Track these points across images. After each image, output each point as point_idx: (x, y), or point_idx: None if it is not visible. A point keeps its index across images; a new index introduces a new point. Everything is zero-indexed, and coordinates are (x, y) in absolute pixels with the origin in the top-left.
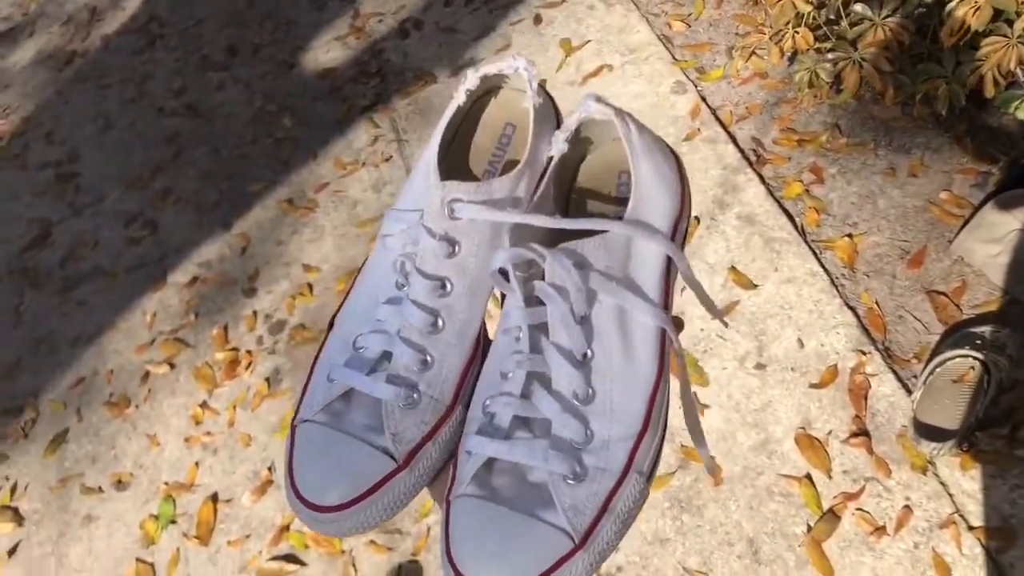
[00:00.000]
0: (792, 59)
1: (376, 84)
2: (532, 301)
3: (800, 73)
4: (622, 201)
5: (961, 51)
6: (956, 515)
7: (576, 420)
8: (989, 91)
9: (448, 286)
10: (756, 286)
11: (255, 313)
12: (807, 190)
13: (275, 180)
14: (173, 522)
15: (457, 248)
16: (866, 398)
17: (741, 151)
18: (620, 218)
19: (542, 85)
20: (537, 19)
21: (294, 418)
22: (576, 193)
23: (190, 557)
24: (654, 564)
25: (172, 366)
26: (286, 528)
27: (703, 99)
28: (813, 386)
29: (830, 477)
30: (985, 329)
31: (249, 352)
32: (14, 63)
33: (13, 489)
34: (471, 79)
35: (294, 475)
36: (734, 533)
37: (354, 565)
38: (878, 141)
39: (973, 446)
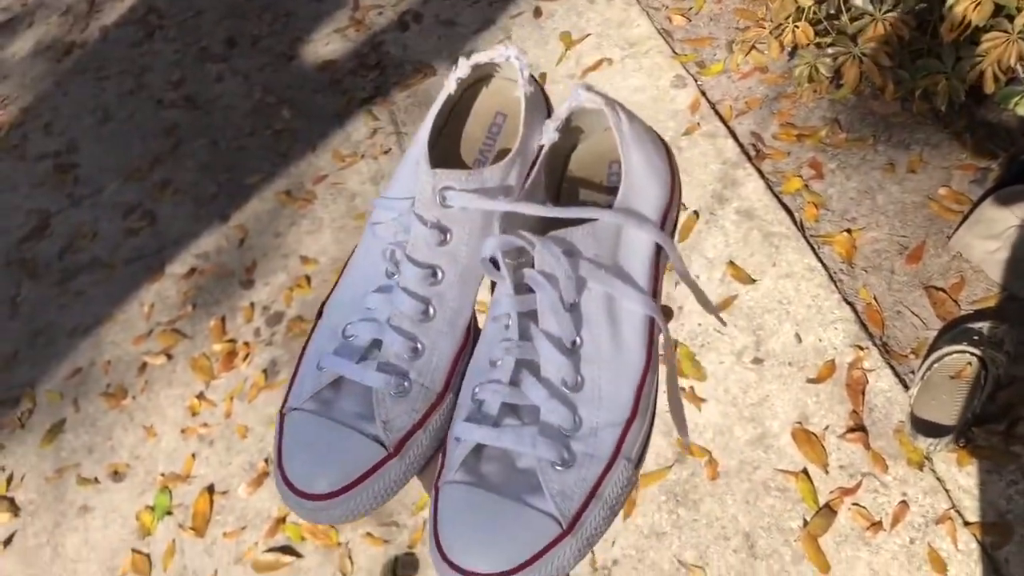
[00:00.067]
0: (792, 54)
1: (375, 76)
2: (522, 289)
3: (800, 68)
4: (612, 190)
5: (961, 47)
6: (952, 510)
7: (564, 407)
8: (989, 87)
9: (439, 274)
10: (754, 281)
11: (253, 305)
12: (806, 185)
13: (273, 172)
14: (169, 513)
15: (448, 236)
16: (863, 393)
17: (740, 146)
18: (610, 207)
19: (533, 74)
20: (537, 12)
21: (283, 407)
22: (567, 182)
23: (186, 548)
24: (650, 558)
25: (169, 357)
26: (282, 520)
27: (703, 93)
28: (810, 381)
29: (827, 472)
30: (983, 325)
31: (246, 344)
32: (12, 54)
33: (9, 479)
34: (462, 67)
35: (283, 463)
36: (730, 527)
37: (350, 557)
38: (877, 137)
39: (970, 442)
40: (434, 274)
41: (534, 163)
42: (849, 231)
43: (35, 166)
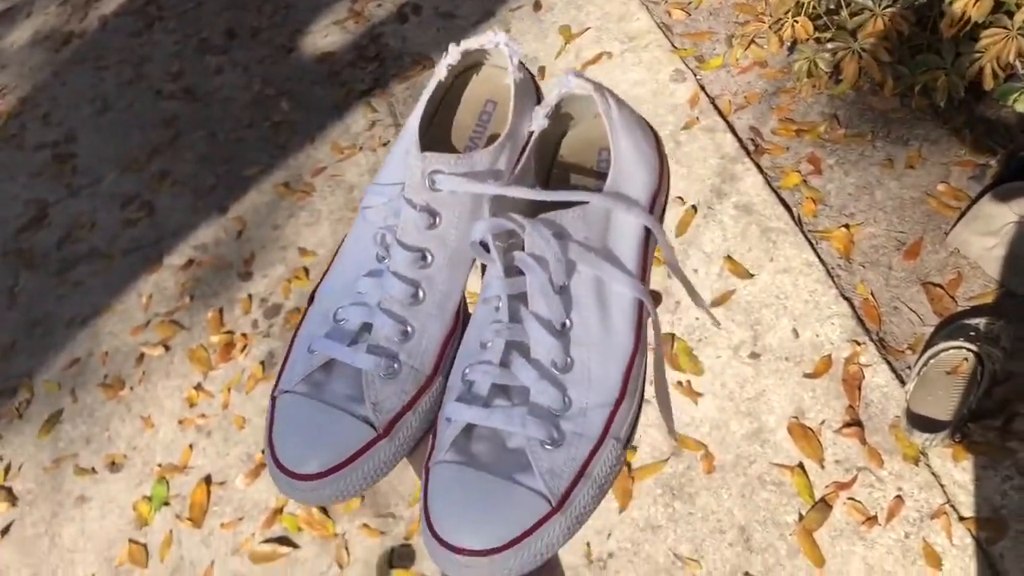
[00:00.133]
0: (792, 48)
1: (374, 69)
2: (512, 271)
3: (799, 63)
4: (602, 177)
5: (961, 42)
6: (947, 506)
7: (554, 388)
8: (988, 83)
9: (429, 257)
10: (752, 275)
11: (250, 296)
12: (805, 180)
13: (272, 164)
14: (166, 504)
15: (438, 220)
16: (860, 388)
17: (739, 140)
18: (600, 191)
19: (523, 62)
20: (536, 5)
21: (274, 390)
22: (557, 168)
23: (183, 539)
24: (645, 551)
25: (167, 348)
26: (279, 511)
27: (702, 88)
28: (807, 376)
29: (822, 466)
30: (980, 321)
31: (244, 335)
32: (11, 43)
33: (7, 469)
34: (453, 54)
35: (274, 444)
36: (726, 521)
37: (347, 548)
38: (876, 132)
39: (966, 437)
40: (423, 257)
41: (524, 149)
42: (847, 227)
43: (33, 156)
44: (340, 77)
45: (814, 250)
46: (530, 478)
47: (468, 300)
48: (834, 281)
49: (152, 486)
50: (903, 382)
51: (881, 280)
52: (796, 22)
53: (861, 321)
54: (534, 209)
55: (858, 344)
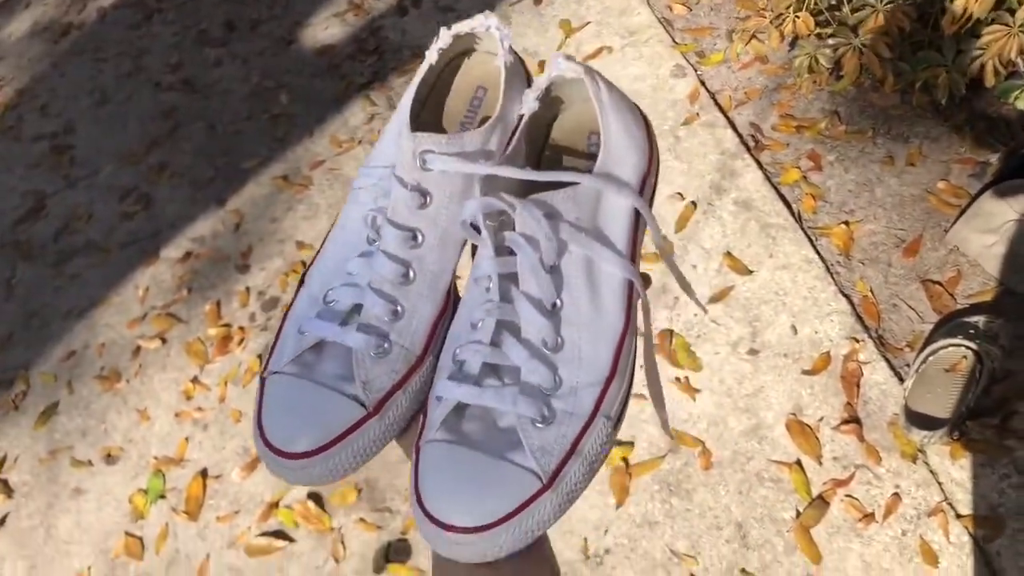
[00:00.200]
0: (792, 44)
1: (374, 62)
2: (502, 251)
3: (800, 58)
4: (592, 160)
5: (962, 39)
6: (945, 503)
7: (545, 367)
8: (989, 80)
9: (419, 237)
10: (751, 272)
11: (248, 289)
12: (805, 177)
13: (270, 157)
14: (162, 497)
15: (428, 199)
16: (858, 385)
17: (739, 136)
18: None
19: (513, 46)
20: None
21: (263, 371)
22: (548, 151)
23: (179, 532)
24: (642, 546)
25: (164, 341)
26: (275, 504)
27: (702, 83)
28: (806, 373)
29: (820, 463)
30: (979, 319)
31: (241, 328)
32: (9, 34)
33: (3, 461)
34: (444, 37)
35: (263, 423)
36: (723, 517)
37: (343, 542)
38: (877, 129)
39: (964, 435)
40: (414, 237)
41: (514, 131)
42: (847, 223)
43: (31, 147)
44: (339, 70)
45: (813, 247)
46: (521, 456)
47: (459, 282)
48: (833, 278)
49: (148, 479)
50: (901, 379)
51: (880, 277)
52: (797, 17)
53: (860, 318)
54: (525, 190)
55: (857, 341)
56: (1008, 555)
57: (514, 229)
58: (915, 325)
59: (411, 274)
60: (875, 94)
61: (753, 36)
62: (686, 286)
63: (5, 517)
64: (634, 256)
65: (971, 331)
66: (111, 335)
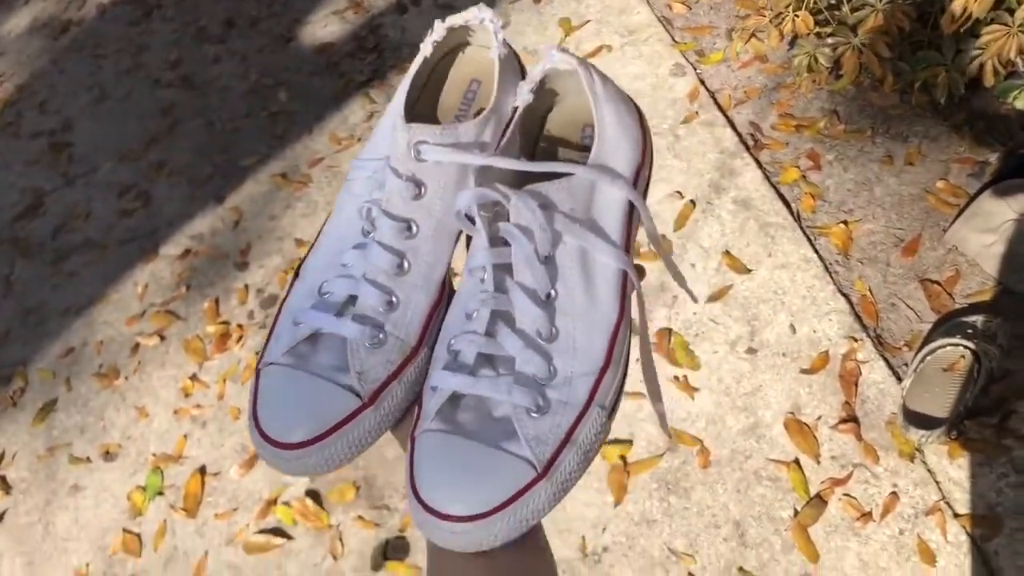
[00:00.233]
0: (792, 43)
1: (373, 60)
2: (497, 242)
3: (799, 57)
4: (587, 152)
5: (961, 39)
6: (942, 502)
7: (539, 357)
8: (988, 80)
9: (414, 228)
10: (750, 271)
11: (247, 287)
12: (804, 176)
13: (269, 154)
14: (160, 494)
15: (423, 190)
16: (856, 385)
17: (739, 135)
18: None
19: (507, 39)
20: None
21: (258, 363)
22: (543, 142)
23: (177, 529)
24: (640, 545)
25: (162, 338)
26: (274, 502)
27: (702, 82)
28: (804, 372)
29: (818, 462)
30: (977, 318)
31: (240, 326)
32: (9, 31)
33: (1, 457)
34: (438, 30)
35: (258, 414)
36: (721, 516)
37: (341, 540)
38: (876, 128)
39: (962, 434)
40: (409, 228)
41: (509, 123)
42: (846, 223)
43: (29, 144)
44: (339, 68)
45: (812, 246)
46: (516, 445)
47: (454, 274)
48: (832, 277)
49: (146, 476)
50: (900, 379)
51: (879, 276)
52: (797, 17)
53: (858, 317)
54: (519, 182)
55: (855, 340)
56: (1006, 554)
57: (508, 220)
58: (913, 324)
59: (406, 265)
60: (874, 93)
61: (752, 35)
62: (677, 275)
63: (3, 513)
64: (628, 247)
65: (969, 330)
66: (110, 332)
